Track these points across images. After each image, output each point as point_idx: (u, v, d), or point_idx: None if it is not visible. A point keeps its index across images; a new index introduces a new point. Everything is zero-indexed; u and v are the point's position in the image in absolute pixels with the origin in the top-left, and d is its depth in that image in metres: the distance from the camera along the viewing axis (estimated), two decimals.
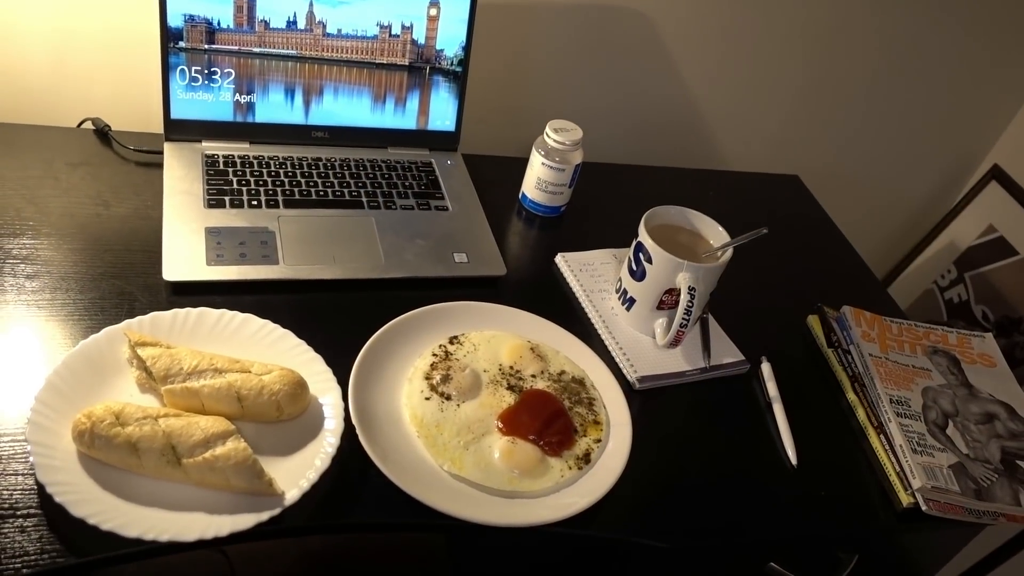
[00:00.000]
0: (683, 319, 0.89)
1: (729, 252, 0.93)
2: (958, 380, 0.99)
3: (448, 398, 0.83)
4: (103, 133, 1.06)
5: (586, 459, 0.81)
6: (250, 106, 1.06)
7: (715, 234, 0.97)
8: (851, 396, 0.97)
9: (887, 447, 0.90)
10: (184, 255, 0.90)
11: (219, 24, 1.00)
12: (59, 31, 1.08)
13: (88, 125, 1.07)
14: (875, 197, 1.67)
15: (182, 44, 0.99)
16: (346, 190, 1.04)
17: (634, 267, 0.95)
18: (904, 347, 1.02)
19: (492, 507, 0.75)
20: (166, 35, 0.98)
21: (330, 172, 1.06)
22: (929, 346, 1.03)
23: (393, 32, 1.06)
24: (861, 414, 0.95)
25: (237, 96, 1.04)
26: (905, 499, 0.86)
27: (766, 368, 0.97)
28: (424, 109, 1.13)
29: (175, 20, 0.98)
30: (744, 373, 0.98)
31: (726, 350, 0.98)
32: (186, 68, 1.01)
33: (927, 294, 1.69)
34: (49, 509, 0.65)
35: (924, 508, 0.85)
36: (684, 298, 0.88)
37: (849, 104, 1.51)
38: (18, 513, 0.66)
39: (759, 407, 0.94)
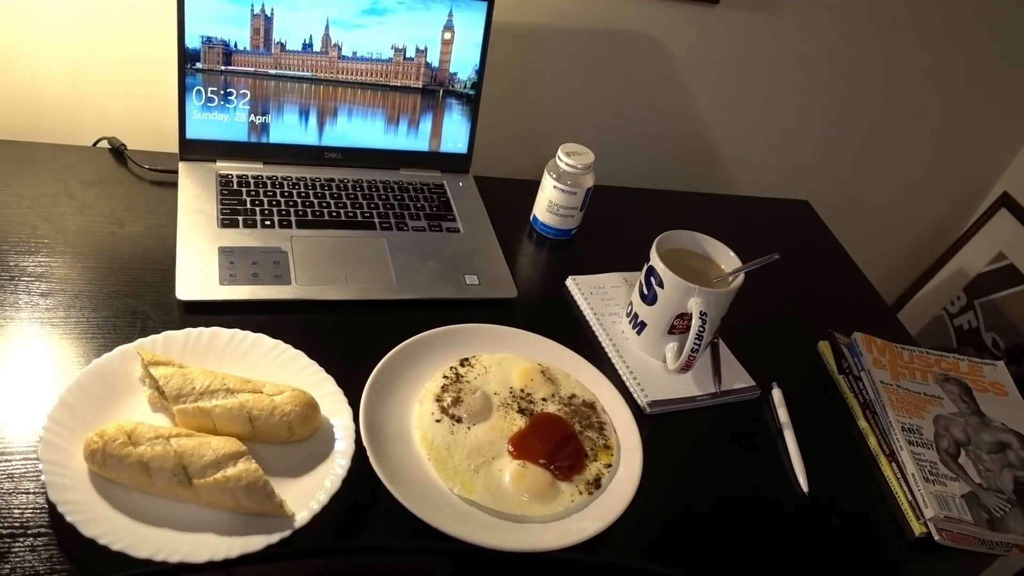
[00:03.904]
0: (695, 344, 0.89)
1: (741, 277, 0.93)
2: (970, 408, 0.99)
3: (459, 420, 0.83)
4: (118, 152, 1.07)
5: (596, 484, 0.80)
6: (264, 127, 1.06)
7: (726, 259, 0.97)
8: (862, 423, 0.97)
9: (899, 475, 0.90)
10: (197, 274, 0.90)
11: (236, 46, 1.01)
12: (76, 51, 1.09)
13: (104, 144, 1.08)
14: (885, 223, 1.67)
15: (199, 65, 1.00)
16: (358, 211, 1.05)
17: (645, 291, 0.95)
18: (915, 374, 1.01)
19: (502, 531, 0.74)
20: (183, 56, 0.99)
21: (343, 193, 1.07)
22: (940, 374, 1.03)
23: (407, 55, 1.07)
24: (872, 442, 0.95)
25: (252, 117, 1.05)
26: (917, 528, 0.86)
27: (777, 394, 0.97)
28: (437, 131, 1.14)
29: (193, 41, 0.99)
30: (755, 399, 0.97)
31: (736, 375, 0.98)
32: (202, 89, 1.02)
33: (936, 320, 1.68)
34: (60, 528, 0.65)
35: (937, 538, 0.84)
36: (696, 323, 0.88)
37: (859, 130, 1.51)
38: (29, 532, 0.66)
39: (770, 433, 0.94)
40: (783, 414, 0.95)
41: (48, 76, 1.10)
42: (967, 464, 0.91)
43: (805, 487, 0.88)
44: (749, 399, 0.97)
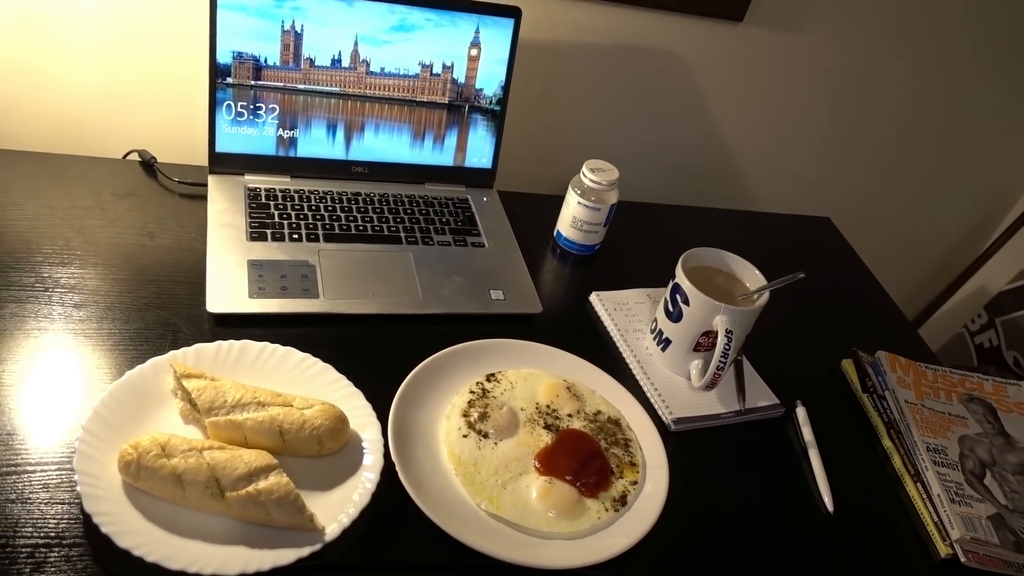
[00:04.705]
0: (720, 362, 0.89)
1: (766, 295, 0.93)
2: (995, 429, 0.98)
3: (485, 436, 0.83)
4: (149, 165, 1.08)
5: (623, 501, 0.81)
6: (292, 141, 1.08)
7: (751, 277, 0.97)
8: (887, 443, 0.97)
9: (924, 496, 0.90)
10: (227, 287, 0.91)
11: (266, 61, 1.02)
12: (109, 68, 1.10)
13: (134, 157, 1.09)
14: (906, 240, 1.67)
15: (230, 80, 1.01)
16: (385, 225, 1.06)
17: (670, 308, 0.95)
18: (939, 394, 1.01)
19: (529, 548, 0.75)
20: (215, 71, 1.00)
21: (369, 207, 1.08)
22: (964, 394, 1.03)
23: (434, 71, 1.08)
24: (897, 461, 0.94)
25: (280, 131, 1.06)
26: (943, 550, 0.85)
27: (801, 413, 0.97)
28: (462, 146, 1.15)
29: (224, 57, 1.00)
30: (779, 417, 0.97)
31: (760, 393, 0.98)
32: (232, 103, 1.03)
33: (957, 338, 1.68)
34: (94, 539, 0.66)
35: (963, 560, 0.84)
36: (721, 341, 0.89)
37: (881, 147, 1.51)
38: (64, 542, 0.66)
39: (794, 451, 0.94)
40: (807, 432, 0.95)
41: (81, 91, 1.12)
42: (993, 485, 0.90)
43: (830, 506, 0.88)
44: (773, 417, 0.97)
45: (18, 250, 0.91)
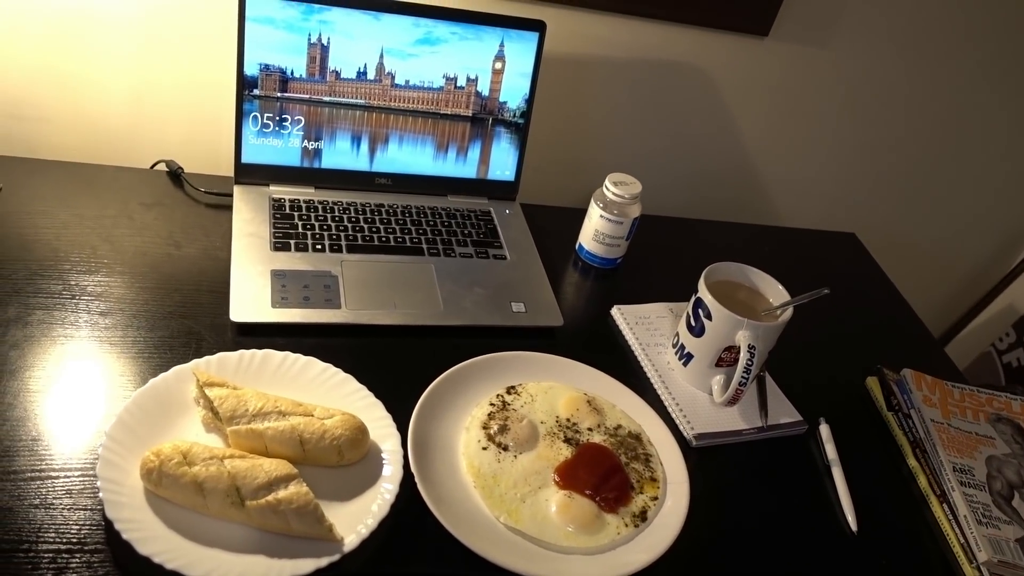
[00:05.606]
0: (742, 377, 0.88)
1: (789, 311, 0.92)
2: (1023, 449, 0.97)
3: (505, 449, 0.83)
4: (176, 175, 1.09)
5: (643, 517, 0.80)
6: (317, 152, 1.08)
7: (775, 292, 0.96)
8: (912, 462, 0.95)
9: (950, 517, 0.88)
10: (250, 297, 0.92)
11: (292, 73, 1.03)
12: (137, 77, 1.12)
13: (161, 167, 1.11)
14: (933, 257, 1.65)
15: (257, 92, 1.03)
16: (407, 237, 1.06)
17: (693, 323, 0.95)
18: (966, 413, 1.00)
19: (548, 562, 0.74)
20: (242, 83, 1.02)
21: (392, 219, 1.08)
22: (992, 413, 1.01)
23: (459, 84, 1.09)
24: (923, 481, 0.93)
25: (305, 142, 1.07)
26: (970, 572, 0.84)
27: (824, 430, 0.96)
28: (485, 159, 1.15)
29: (251, 69, 1.01)
30: (801, 434, 0.96)
31: (783, 410, 0.97)
32: (259, 115, 1.04)
33: (984, 357, 1.65)
34: (116, 545, 0.66)
35: None
36: (744, 356, 0.88)
37: (907, 162, 1.50)
38: (86, 548, 0.67)
39: (817, 469, 0.93)
40: (831, 450, 0.94)
41: (110, 100, 1.13)
42: (1021, 507, 0.89)
43: (854, 526, 0.86)
44: (796, 434, 0.96)
45: (47, 258, 0.92)
